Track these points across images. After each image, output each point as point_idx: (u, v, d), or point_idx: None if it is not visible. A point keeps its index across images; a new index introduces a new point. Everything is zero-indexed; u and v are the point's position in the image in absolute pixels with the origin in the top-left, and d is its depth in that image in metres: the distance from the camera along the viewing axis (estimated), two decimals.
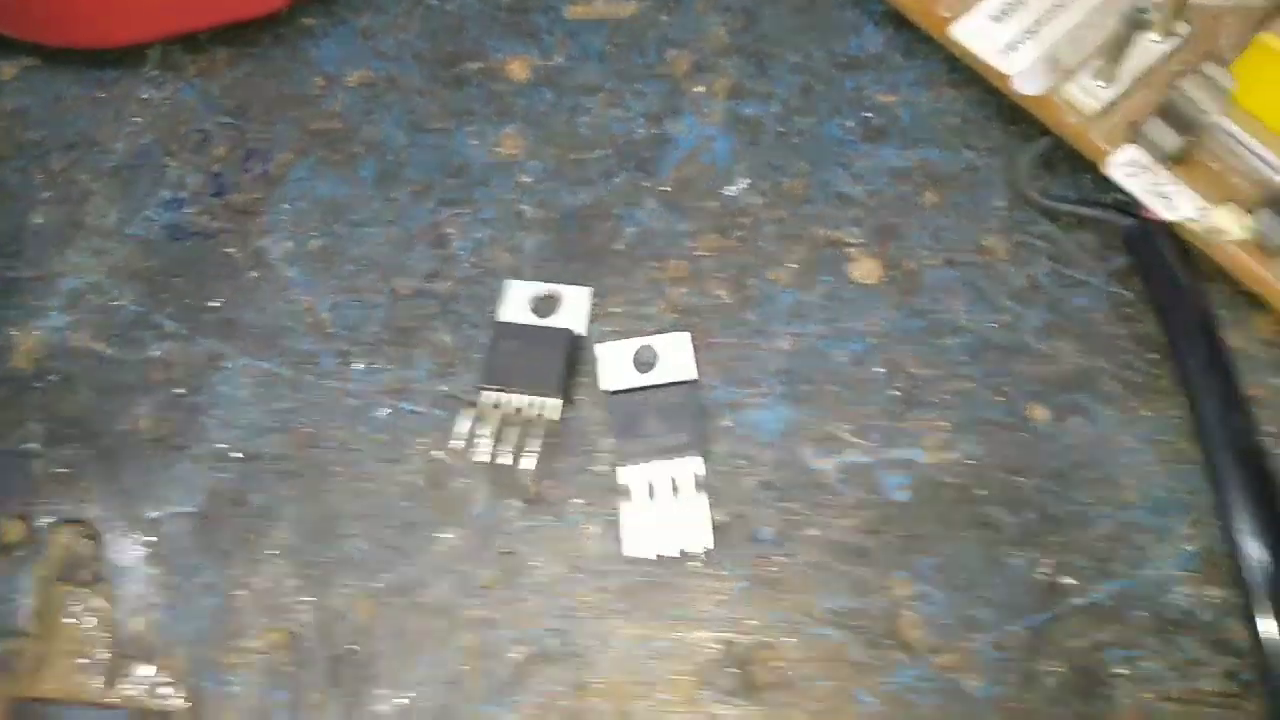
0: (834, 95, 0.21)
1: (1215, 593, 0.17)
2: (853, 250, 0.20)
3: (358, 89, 0.22)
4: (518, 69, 0.22)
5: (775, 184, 0.21)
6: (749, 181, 0.21)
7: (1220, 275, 0.19)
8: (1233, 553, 0.16)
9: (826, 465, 0.19)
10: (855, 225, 0.20)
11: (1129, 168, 0.19)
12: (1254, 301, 0.19)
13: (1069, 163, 0.20)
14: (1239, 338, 0.19)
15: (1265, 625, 0.16)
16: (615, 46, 0.22)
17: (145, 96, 0.23)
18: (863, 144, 0.21)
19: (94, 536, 0.19)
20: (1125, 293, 0.19)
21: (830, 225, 0.20)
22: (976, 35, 0.20)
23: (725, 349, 0.20)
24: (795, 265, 0.20)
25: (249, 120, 0.22)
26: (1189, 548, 0.18)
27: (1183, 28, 0.20)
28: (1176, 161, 0.19)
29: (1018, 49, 0.20)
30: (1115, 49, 0.19)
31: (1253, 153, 0.18)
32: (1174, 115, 0.18)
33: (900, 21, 0.21)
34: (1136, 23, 0.18)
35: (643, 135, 0.21)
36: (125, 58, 0.23)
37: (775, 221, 0.20)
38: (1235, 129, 0.18)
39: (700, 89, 0.22)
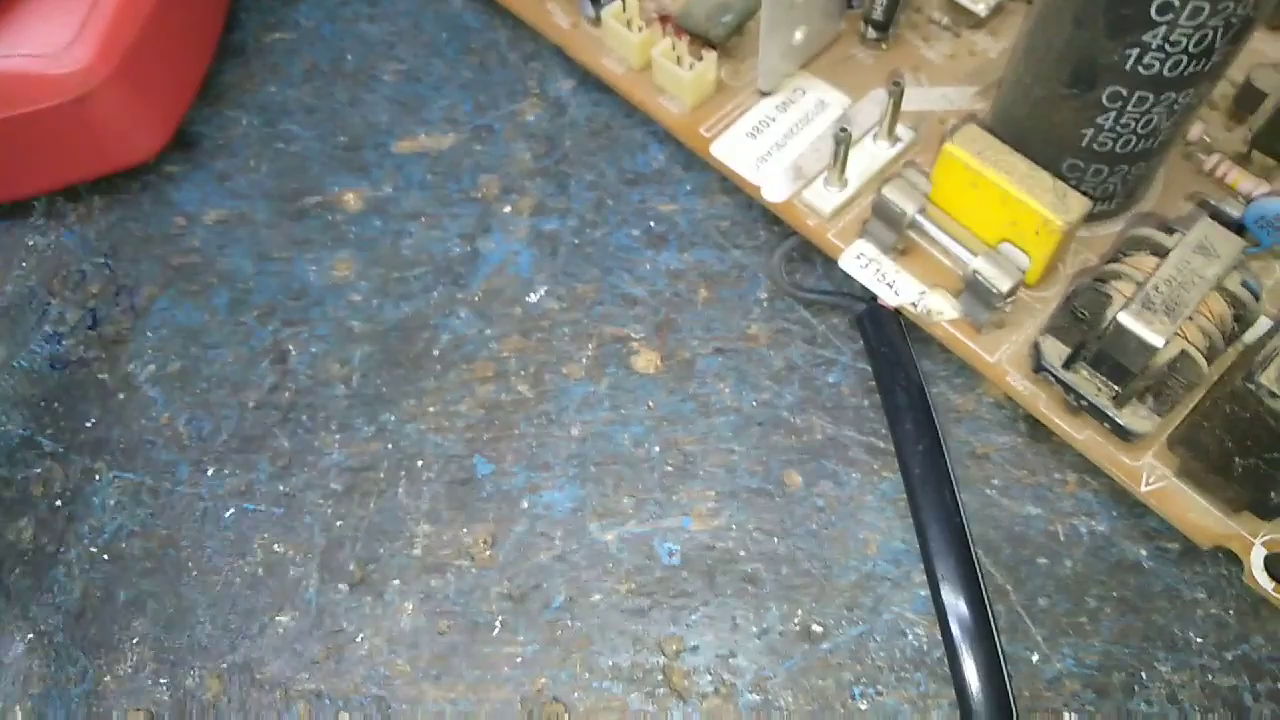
0: (622, 207, 0.25)
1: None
2: (636, 344, 0.23)
3: (213, 226, 0.25)
4: (351, 200, 0.25)
5: (570, 289, 0.24)
6: (547, 288, 0.24)
7: (948, 350, 0.22)
8: (935, 599, 0.19)
9: (609, 537, 0.21)
10: (638, 322, 0.23)
11: (859, 260, 0.22)
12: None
13: (820, 255, 0.23)
14: (971, 401, 0.22)
15: (966, 670, 0.18)
16: (435, 175, 0.25)
17: (31, 243, 0.26)
18: (646, 249, 0.24)
19: None
20: (869, 368, 0.22)
21: (617, 323, 0.23)
22: (731, 152, 0.23)
23: (525, 439, 0.22)
24: (586, 360, 0.23)
25: (120, 259, 0.25)
26: (922, 593, 0.20)
27: (906, 133, 0.23)
28: (900, 252, 0.22)
29: (767, 161, 0.23)
30: (838, 160, 0.22)
31: (949, 245, 0.21)
32: (884, 215, 0.21)
33: (679, 140, 0.25)
34: (841, 139, 0.21)
35: (457, 253, 0.24)
36: (14, 209, 0.26)
37: (570, 323, 0.23)
38: (931, 226, 0.21)
39: (508, 209, 0.25)
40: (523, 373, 0.23)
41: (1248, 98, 0.22)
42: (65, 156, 0.25)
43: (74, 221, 0.26)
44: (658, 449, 0.22)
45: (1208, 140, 0.22)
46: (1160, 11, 0.17)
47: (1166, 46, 0.17)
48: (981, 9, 0.24)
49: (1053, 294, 0.21)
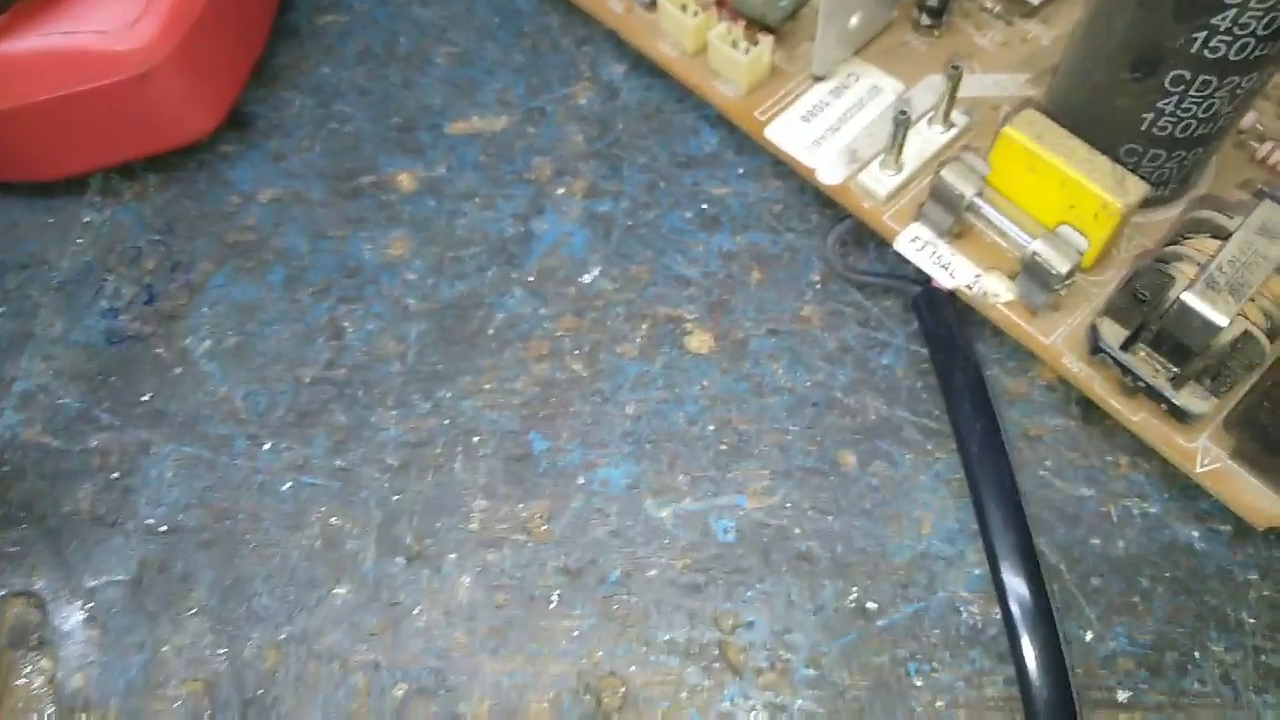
0: (675, 190, 0.25)
1: (998, 611, 0.20)
2: (689, 324, 0.23)
3: (268, 204, 0.26)
4: (405, 180, 0.26)
5: (624, 270, 0.24)
6: (601, 269, 0.24)
7: (1001, 332, 0.22)
8: (995, 577, 0.19)
9: (664, 514, 0.21)
10: (691, 303, 0.23)
11: (914, 243, 0.22)
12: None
13: (874, 238, 0.23)
14: (1023, 384, 0.22)
15: (1024, 647, 0.19)
16: (489, 157, 0.26)
17: (87, 219, 0.26)
18: (699, 232, 0.24)
19: (41, 606, 0.22)
20: (922, 350, 0.22)
21: (670, 304, 0.23)
22: (786, 136, 0.23)
23: (580, 416, 0.23)
24: (640, 340, 0.23)
25: (175, 236, 0.26)
26: (976, 571, 0.20)
27: (960, 119, 0.23)
28: (956, 236, 0.22)
29: (822, 144, 0.23)
30: (895, 142, 0.22)
31: (1007, 227, 0.21)
32: (941, 198, 0.21)
33: (732, 124, 0.25)
34: (900, 121, 0.21)
35: (511, 233, 0.25)
36: (70, 186, 0.26)
37: (624, 303, 0.24)
38: (989, 209, 0.21)
39: (561, 190, 0.25)
40: (577, 351, 0.23)
41: None
42: (123, 133, 0.25)
43: (130, 199, 0.26)
44: (712, 428, 0.22)
45: (1260, 128, 0.23)
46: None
47: (1235, 29, 0.17)
48: None
49: (1108, 278, 0.21)
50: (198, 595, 0.22)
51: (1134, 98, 0.19)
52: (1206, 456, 0.20)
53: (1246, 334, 0.18)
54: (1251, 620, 0.20)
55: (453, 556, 0.22)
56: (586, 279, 0.24)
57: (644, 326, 0.23)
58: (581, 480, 0.22)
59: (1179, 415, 0.19)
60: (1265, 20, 0.17)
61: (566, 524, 0.21)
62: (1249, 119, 0.23)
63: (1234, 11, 0.17)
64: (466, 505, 0.22)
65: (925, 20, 0.24)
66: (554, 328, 0.23)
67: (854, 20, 0.23)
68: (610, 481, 0.22)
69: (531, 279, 0.24)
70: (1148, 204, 0.22)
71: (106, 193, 0.26)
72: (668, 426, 0.22)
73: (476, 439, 0.22)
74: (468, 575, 0.21)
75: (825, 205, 0.24)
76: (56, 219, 0.26)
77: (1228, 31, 0.18)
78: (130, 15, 0.23)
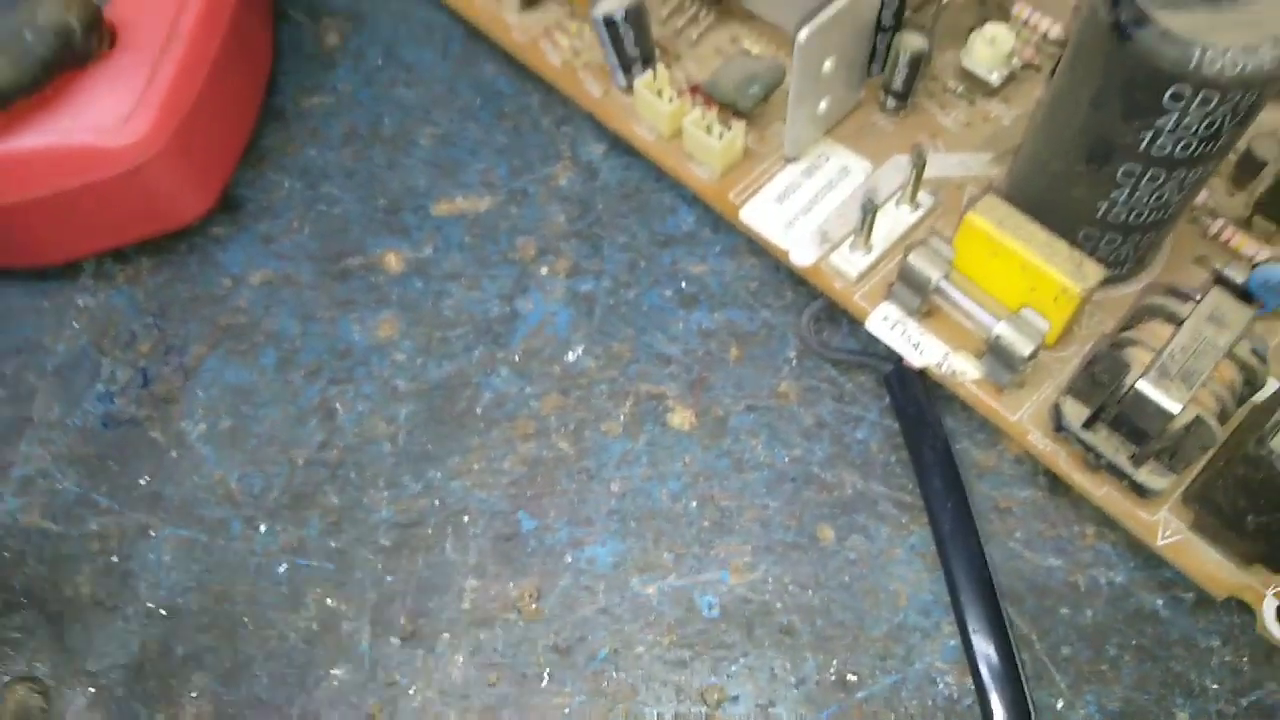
0: (654, 269, 0.26)
1: (971, 681, 0.21)
2: (671, 401, 0.24)
3: (259, 287, 0.26)
4: (393, 261, 0.26)
5: (607, 348, 0.25)
6: (584, 347, 0.25)
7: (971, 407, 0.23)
8: (966, 649, 0.20)
9: (650, 590, 0.22)
10: (672, 380, 0.24)
11: (885, 322, 0.23)
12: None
13: (848, 316, 0.24)
14: (993, 457, 0.23)
15: (996, 716, 0.19)
16: (474, 237, 0.27)
17: (82, 304, 0.27)
18: (679, 309, 0.25)
19: (44, 691, 0.23)
20: (896, 424, 0.23)
21: (652, 381, 0.24)
22: (760, 216, 0.24)
23: (567, 495, 0.23)
24: (624, 418, 0.24)
25: (169, 319, 0.26)
26: (951, 642, 0.21)
27: (927, 199, 0.24)
28: (925, 315, 0.23)
29: (794, 225, 0.24)
30: (864, 226, 0.23)
31: (972, 309, 0.22)
32: (909, 281, 0.22)
33: (709, 204, 0.26)
34: (867, 209, 0.22)
35: (497, 313, 0.25)
36: (64, 270, 0.27)
37: (607, 381, 0.24)
38: (954, 291, 0.22)
39: (544, 270, 0.26)
40: (563, 430, 0.24)
41: (1248, 165, 0.23)
42: (117, 221, 0.26)
43: (123, 282, 0.27)
44: (694, 504, 0.23)
45: (1212, 206, 0.24)
46: (1172, 99, 0.18)
47: (1178, 130, 0.18)
48: (995, 78, 0.25)
49: (1070, 354, 0.22)
50: (198, 679, 0.22)
51: (1089, 187, 0.20)
52: (1167, 529, 0.20)
53: (1198, 419, 0.19)
54: (1215, 686, 0.21)
55: (446, 636, 0.22)
56: (571, 358, 0.25)
57: (627, 404, 0.24)
58: (569, 558, 0.23)
59: (1140, 491, 0.20)
60: (1204, 123, 0.18)
61: (555, 602, 0.22)
62: (1201, 196, 0.24)
63: (1175, 115, 0.18)
64: (458, 585, 0.23)
65: (891, 103, 0.25)
66: (540, 406, 0.24)
67: (823, 105, 0.24)
68: (597, 559, 0.23)
69: (517, 358, 0.25)
70: (1108, 282, 0.23)
71: (100, 276, 0.27)
72: (652, 504, 0.23)
73: (466, 519, 0.23)
74: (461, 654, 0.22)
75: (799, 283, 0.25)
76: (51, 303, 0.27)
77: (1172, 131, 0.18)
78: (124, 110, 0.24)
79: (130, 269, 0.27)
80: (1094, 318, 0.23)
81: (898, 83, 0.25)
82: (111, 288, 0.27)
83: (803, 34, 0.22)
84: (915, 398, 0.22)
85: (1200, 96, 0.18)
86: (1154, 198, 0.20)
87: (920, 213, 0.24)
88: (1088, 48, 0.19)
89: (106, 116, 0.24)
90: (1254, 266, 0.22)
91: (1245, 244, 0.23)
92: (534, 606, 0.22)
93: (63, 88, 0.24)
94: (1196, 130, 0.18)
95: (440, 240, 0.27)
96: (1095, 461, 0.21)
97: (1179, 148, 0.19)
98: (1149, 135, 0.19)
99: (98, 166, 0.24)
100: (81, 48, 0.23)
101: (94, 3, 0.24)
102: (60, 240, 0.26)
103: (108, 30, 0.24)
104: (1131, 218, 0.21)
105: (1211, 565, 0.20)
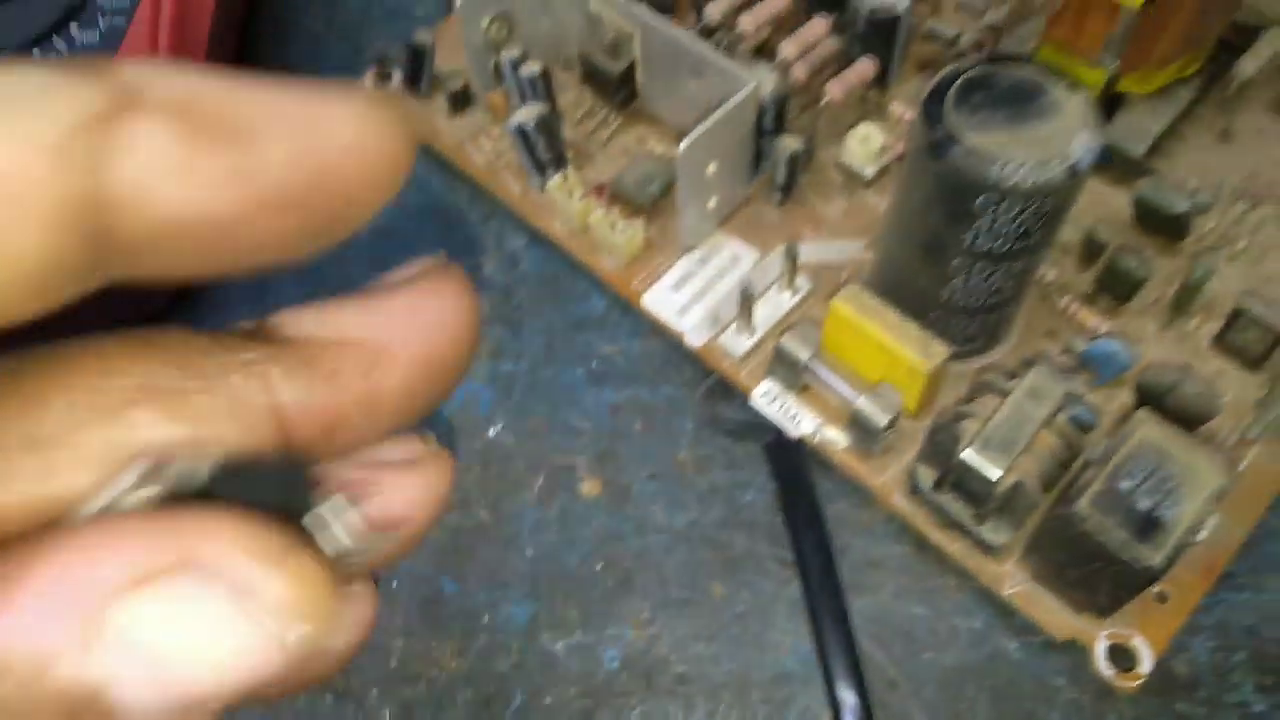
0: (569, 350, 0.28)
1: None
2: (581, 472, 0.27)
3: None
4: None
5: (523, 424, 0.27)
6: (504, 424, 0.27)
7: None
8: (829, 694, 0.22)
9: (558, 647, 0.24)
10: (582, 453, 0.27)
11: (766, 397, 0.25)
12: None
13: (737, 390, 0.27)
14: (867, 516, 0.25)
15: None
16: None
17: None
18: (590, 387, 0.28)
19: None
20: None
21: (565, 454, 0.27)
22: (659, 302, 0.27)
23: (486, 561, 0.26)
24: (539, 488, 0.26)
25: None
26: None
27: (805, 284, 0.27)
28: (800, 390, 0.25)
29: (689, 310, 0.27)
30: (744, 312, 0.26)
31: (837, 385, 0.24)
32: (783, 360, 0.25)
33: (615, 290, 0.28)
34: (744, 298, 0.25)
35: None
36: None
37: (524, 455, 0.27)
38: (823, 369, 0.24)
39: None
40: (483, 500, 0.26)
41: (1091, 247, 0.26)
42: None
43: None
44: (599, 566, 0.25)
45: (1063, 282, 0.26)
46: (983, 205, 0.21)
47: (993, 230, 0.21)
48: (869, 172, 0.28)
49: (932, 421, 0.25)
50: None
51: (931, 277, 0.23)
52: (1013, 579, 0.23)
53: (1019, 484, 0.21)
54: None
55: (374, 691, 0.24)
56: (491, 433, 0.27)
57: (542, 475, 0.27)
58: (487, 619, 0.25)
59: (985, 547, 0.23)
60: (1015, 224, 0.21)
61: (474, 659, 0.25)
62: (1052, 274, 0.26)
63: (988, 219, 0.21)
64: (386, 645, 0.25)
65: (776, 197, 0.28)
66: (463, 479, 0.27)
67: (712, 202, 0.27)
68: (512, 619, 0.25)
69: (444, 434, 0.27)
70: (967, 354, 0.25)
71: None
72: (562, 568, 0.25)
73: (395, 584, 0.26)
74: (388, 708, 0.24)
75: (696, 360, 0.27)
76: None
77: (989, 231, 0.21)
78: None
79: None
80: (953, 387, 0.25)
81: (780, 179, 0.27)
82: None
83: (682, 146, 0.24)
84: (792, 466, 0.25)
85: (1005, 203, 0.20)
86: (988, 285, 0.23)
87: (799, 296, 0.27)
88: (914, 161, 0.22)
89: None
90: (1093, 339, 0.25)
91: (1090, 318, 0.26)
92: (454, 664, 0.25)
93: None
94: (1009, 231, 0.21)
95: None
96: (947, 520, 0.23)
97: (998, 244, 0.22)
98: (970, 235, 0.21)
99: None
100: None
101: None
102: None
103: None
104: (972, 302, 0.23)
105: (1053, 611, 0.22)
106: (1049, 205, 0.21)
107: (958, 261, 0.22)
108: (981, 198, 0.21)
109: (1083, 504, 0.20)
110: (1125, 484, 0.20)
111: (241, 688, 0.09)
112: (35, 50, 0.28)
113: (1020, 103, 0.21)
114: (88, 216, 0.09)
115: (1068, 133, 0.20)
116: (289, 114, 0.10)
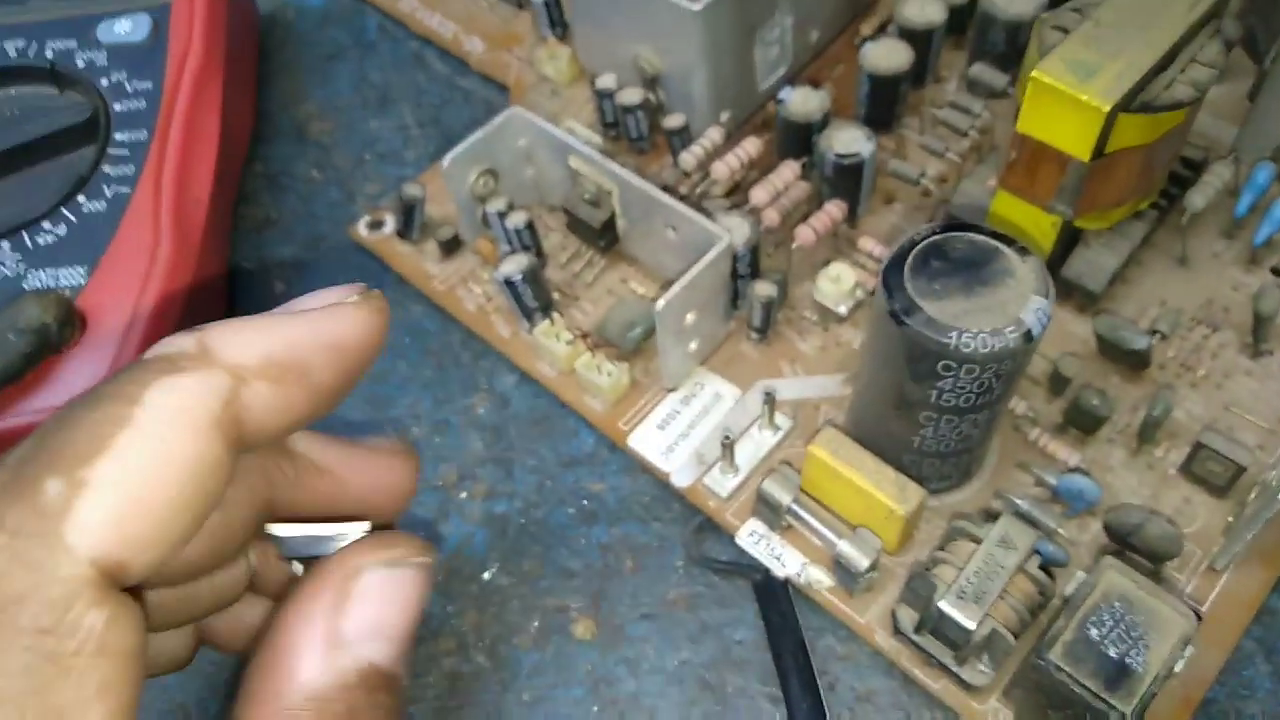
0: (560, 488, 0.29)
1: None
2: (574, 613, 0.27)
3: None
4: None
5: (518, 565, 0.28)
6: (499, 566, 0.28)
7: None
8: None
9: None
10: (576, 594, 0.28)
11: (752, 537, 0.26)
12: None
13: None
14: (854, 650, 0.26)
15: None
16: None
17: None
18: (580, 526, 0.29)
19: None
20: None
21: (558, 595, 0.28)
22: (645, 442, 0.28)
23: (484, 706, 0.26)
24: (534, 630, 0.27)
25: None
26: None
27: (785, 422, 0.28)
28: (784, 530, 0.26)
29: (674, 450, 0.28)
30: (727, 454, 0.27)
31: (818, 528, 0.25)
32: (766, 503, 0.26)
33: (602, 432, 0.29)
34: (726, 444, 0.26)
35: (423, 536, 0.29)
36: None
37: (519, 597, 0.28)
38: (804, 512, 0.25)
39: (464, 495, 0.29)
40: (480, 645, 0.27)
41: (1058, 381, 0.27)
42: None
43: None
44: (595, 708, 0.26)
45: (1032, 415, 0.27)
46: (944, 369, 0.22)
47: (955, 388, 0.22)
48: (843, 309, 0.29)
49: (910, 559, 0.26)
50: None
51: (902, 426, 0.24)
52: (996, 717, 0.24)
53: (994, 632, 0.22)
54: None
55: None
56: (487, 576, 0.28)
57: (536, 618, 0.27)
58: None
59: (966, 687, 0.23)
60: (975, 383, 0.22)
61: None
62: (1022, 406, 0.27)
63: (950, 379, 0.22)
64: None
65: (753, 335, 0.29)
66: (460, 624, 0.27)
67: (692, 345, 0.28)
68: None
69: (440, 578, 0.28)
70: (943, 490, 0.26)
71: None
72: (558, 709, 0.26)
73: None
74: None
75: (683, 498, 0.28)
76: None
77: (951, 389, 0.22)
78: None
79: None
80: (932, 523, 0.26)
81: (756, 321, 0.29)
82: None
83: (660, 303, 0.26)
84: (780, 605, 0.26)
85: (964, 367, 0.22)
86: (955, 433, 0.24)
87: (780, 435, 0.28)
88: (878, 325, 0.23)
89: (80, 388, 0.28)
90: (1063, 474, 0.26)
91: (1060, 449, 0.27)
92: None
93: (40, 373, 0.28)
94: (970, 388, 0.22)
95: None
96: (930, 659, 0.24)
97: (961, 400, 0.23)
98: (934, 392, 0.23)
99: None
100: (56, 339, 0.28)
101: (66, 299, 0.28)
102: None
103: (79, 319, 0.28)
104: (942, 447, 0.24)
105: None
106: (1007, 367, 0.22)
107: (924, 414, 0.23)
108: (942, 363, 0.22)
109: (1054, 654, 0.21)
110: (1094, 632, 0.21)
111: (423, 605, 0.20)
112: (45, 221, 0.30)
113: (975, 268, 0.22)
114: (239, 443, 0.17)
115: (1021, 299, 0.22)
116: (318, 342, 0.18)
